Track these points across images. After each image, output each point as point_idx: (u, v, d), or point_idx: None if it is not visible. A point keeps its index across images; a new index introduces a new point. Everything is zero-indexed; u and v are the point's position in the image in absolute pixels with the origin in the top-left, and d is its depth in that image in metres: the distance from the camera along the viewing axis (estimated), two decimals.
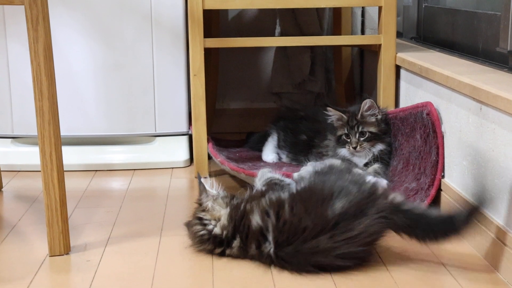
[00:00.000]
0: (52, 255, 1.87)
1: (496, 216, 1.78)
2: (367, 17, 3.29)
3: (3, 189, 2.48)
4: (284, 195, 1.84)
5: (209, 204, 1.90)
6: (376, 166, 2.37)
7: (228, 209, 1.88)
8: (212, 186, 1.95)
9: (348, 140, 2.40)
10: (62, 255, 1.87)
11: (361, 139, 2.38)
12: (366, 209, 1.75)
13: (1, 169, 2.55)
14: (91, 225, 2.11)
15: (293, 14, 3.13)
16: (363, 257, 1.77)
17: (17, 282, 1.71)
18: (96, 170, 2.71)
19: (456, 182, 2.05)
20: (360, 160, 2.42)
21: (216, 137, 3.01)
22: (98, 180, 2.60)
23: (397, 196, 1.80)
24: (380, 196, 1.78)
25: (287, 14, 3.14)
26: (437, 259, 1.82)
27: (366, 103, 2.37)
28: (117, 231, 2.06)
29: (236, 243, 1.83)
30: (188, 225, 1.94)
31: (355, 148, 2.38)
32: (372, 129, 2.38)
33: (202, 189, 1.94)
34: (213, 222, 1.87)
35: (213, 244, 1.86)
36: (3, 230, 2.08)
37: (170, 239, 1.99)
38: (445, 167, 2.12)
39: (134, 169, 2.72)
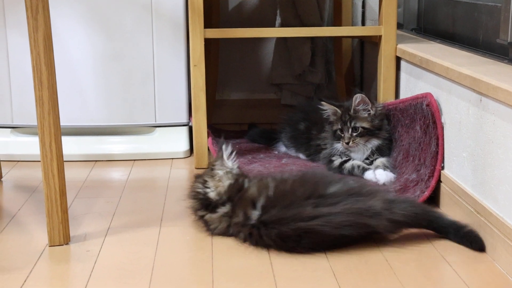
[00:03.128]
0: (51, 245, 1.87)
1: (496, 207, 1.78)
2: (367, 8, 3.29)
3: (2, 179, 2.48)
4: (289, 176, 1.93)
5: (219, 173, 1.97)
6: (383, 159, 2.37)
7: (231, 181, 1.95)
8: (229, 158, 2.01)
9: (342, 135, 2.40)
10: (62, 245, 1.87)
11: (354, 134, 2.38)
12: (357, 199, 1.83)
13: (1, 159, 2.55)
14: (91, 215, 2.11)
15: (293, 5, 3.13)
16: (346, 234, 1.80)
17: (17, 272, 1.71)
18: (96, 161, 2.71)
19: (456, 174, 2.05)
20: (357, 156, 2.42)
21: (216, 128, 3.02)
22: (98, 170, 2.60)
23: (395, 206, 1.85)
24: (375, 197, 1.86)
25: (288, 5, 3.13)
26: (436, 250, 1.83)
27: (357, 98, 2.37)
28: (117, 222, 2.06)
29: (223, 209, 1.92)
30: (195, 179, 2.03)
31: (347, 143, 2.38)
32: (365, 125, 2.38)
33: (219, 156, 2.01)
34: (212, 189, 1.95)
35: (200, 204, 1.96)
36: (2, 220, 2.08)
37: (170, 229, 1.99)
38: (445, 159, 2.12)
39: (134, 160, 2.72)
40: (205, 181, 1.98)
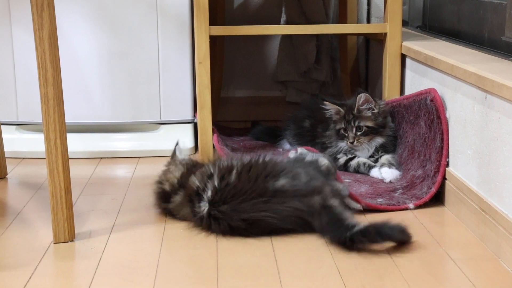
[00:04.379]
0: (56, 242, 1.87)
1: (501, 205, 1.78)
2: (373, 6, 3.28)
3: (8, 176, 2.49)
4: (236, 162, 1.99)
5: (171, 167, 2.11)
6: (389, 156, 2.37)
7: (183, 170, 2.07)
8: (181, 154, 2.18)
9: (346, 134, 2.40)
10: (67, 242, 1.88)
11: (358, 133, 2.38)
12: (303, 197, 1.89)
13: (6, 156, 2.55)
14: (96, 213, 2.11)
15: (298, 3, 3.12)
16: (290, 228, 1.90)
17: (22, 269, 1.71)
18: (101, 158, 2.71)
19: (461, 171, 2.05)
20: (362, 153, 2.42)
21: (220, 125, 3.02)
22: (103, 167, 2.60)
23: (334, 202, 1.91)
24: (320, 193, 1.90)
25: (293, 3, 3.13)
26: (440, 248, 1.83)
27: (361, 97, 2.37)
28: (122, 219, 2.06)
29: (177, 198, 2.01)
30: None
31: (352, 143, 2.38)
32: (369, 123, 2.38)
33: (172, 155, 2.18)
34: (165, 182, 2.07)
35: (160, 199, 2.07)
36: (7, 217, 2.08)
37: (175, 226, 1.99)
38: (450, 156, 2.12)
39: (139, 157, 2.73)
40: (160, 181, 2.10)
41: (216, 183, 1.93)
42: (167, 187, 2.06)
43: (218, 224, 1.90)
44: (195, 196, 1.95)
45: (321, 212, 1.87)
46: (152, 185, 2.12)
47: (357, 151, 2.43)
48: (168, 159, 2.19)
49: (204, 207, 1.92)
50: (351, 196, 2.06)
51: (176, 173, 2.07)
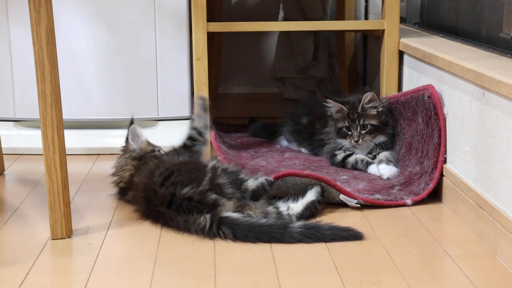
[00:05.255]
0: (54, 238, 1.87)
1: (498, 202, 1.78)
2: (370, 2, 3.28)
3: (5, 172, 2.48)
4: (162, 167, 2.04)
5: (122, 161, 2.22)
6: (387, 153, 2.37)
7: (132, 171, 2.15)
8: (134, 139, 2.24)
9: (350, 133, 2.39)
10: (64, 238, 1.88)
11: (363, 132, 2.38)
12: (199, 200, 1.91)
13: (3, 152, 2.55)
14: (93, 209, 2.11)
15: None
16: None
17: (19, 265, 1.71)
18: (98, 154, 2.71)
19: (458, 168, 2.05)
20: (361, 150, 2.42)
21: (218, 121, 3.01)
22: (100, 164, 2.60)
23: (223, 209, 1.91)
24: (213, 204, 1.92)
25: None
26: (438, 244, 1.83)
27: (368, 96, 2.36)
28: (119, 215, 2.06)
29: (130, 194, 2.10)
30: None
31: (357, 141, 2.38)
32: (373, 122, 2.38)
33: (125, 140, 2.27)
34: (120, 179, 2.18)
35: (119, 193, 2.18)
36: (5, 213, 2.08)
37: None
38: (448, 153, 2.12)
39: None
40: (116, 174, 2.20)
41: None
42: (122, 184, 2.16)
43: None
44: (142, 198, 2.02)
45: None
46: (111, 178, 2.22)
47: (358, 148, 2.42)
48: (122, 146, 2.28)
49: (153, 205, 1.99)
50: (346, 194, 2.06)
51: (126, 173, 2.16)
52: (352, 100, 2.41)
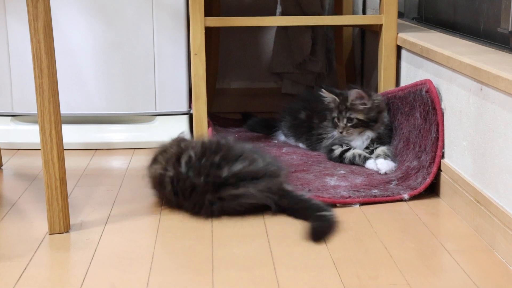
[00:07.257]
0: (51, 233, 1.87)
1: (496, 196, 1.78)
2: None
3: (2, 167, 2.48)
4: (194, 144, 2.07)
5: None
6: (384, 148, 2.37)
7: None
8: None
9: (338, 124, 2.42)
10: (62, 233, 1.88)
11: (348, 124, 2.40)
12: (259, 180, 1.96)
13: (1, 147, 2.55)
14: (91, 204, 2.11)
15: None
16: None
17: (17, 260, 1.71)
18: (96, 149, 2.71)
19: (456, 163, 2.05)
20: (357, 144, 2.43)
21: (216, 116, 3.01)
22: (98, 158, 2.60)
23: (288, 185, 2.04)
24: (277, 177, 2.00)
25: None
26: (435, 239, 1.83)
27: (352, 94, 2.38)
28: (117, 210, 2.06)
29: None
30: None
31: (341, 132, 2.40)
32: (360, 116, 2.39)
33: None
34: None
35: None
36: (2, 208, 2.08)
37: (170, 217, 1.99)
38: (445, 148, 2.12)
39: (134, 148, 2.72)
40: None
41: (171, 173, 2.02)
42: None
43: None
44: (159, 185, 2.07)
45: (281, 194, 1.98)
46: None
47: (350, 141, 2.43)
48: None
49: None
50: (324, 201, 2.04)
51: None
52: (347, 93, 2.43)
